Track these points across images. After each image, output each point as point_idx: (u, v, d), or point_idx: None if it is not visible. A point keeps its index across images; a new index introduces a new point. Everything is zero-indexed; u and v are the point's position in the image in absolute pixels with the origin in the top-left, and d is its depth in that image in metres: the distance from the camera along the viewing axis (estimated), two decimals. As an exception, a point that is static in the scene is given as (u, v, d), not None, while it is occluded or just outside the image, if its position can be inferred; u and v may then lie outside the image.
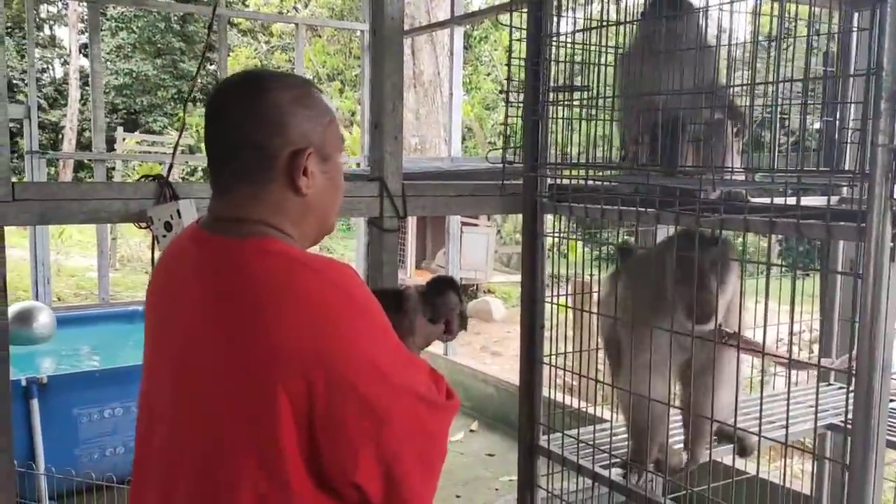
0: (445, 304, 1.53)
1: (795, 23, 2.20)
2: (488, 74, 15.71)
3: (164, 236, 1.81)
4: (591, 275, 2.51)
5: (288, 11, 17.66)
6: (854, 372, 1.59)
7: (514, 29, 2.09)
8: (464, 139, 10.72)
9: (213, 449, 1.13)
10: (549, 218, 2.34)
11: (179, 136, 2.49)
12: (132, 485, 1.27)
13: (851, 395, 1.60)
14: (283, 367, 1.06)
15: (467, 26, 5.67)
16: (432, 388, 1.23)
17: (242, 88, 1.22)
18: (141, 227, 1.86)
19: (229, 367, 1.10)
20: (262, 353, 1.08)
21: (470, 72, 14.96)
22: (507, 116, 2.05)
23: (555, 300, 2.38)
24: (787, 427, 1.78)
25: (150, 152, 13.80)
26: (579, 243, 2.54)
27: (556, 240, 2.32)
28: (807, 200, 2.15)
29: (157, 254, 1.91)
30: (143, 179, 1.85)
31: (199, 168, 17.38)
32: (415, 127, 9.42)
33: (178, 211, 1.78)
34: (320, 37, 16.68)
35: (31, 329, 4.66)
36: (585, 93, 2.15)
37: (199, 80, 18.87)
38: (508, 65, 1.95)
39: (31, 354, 4.94)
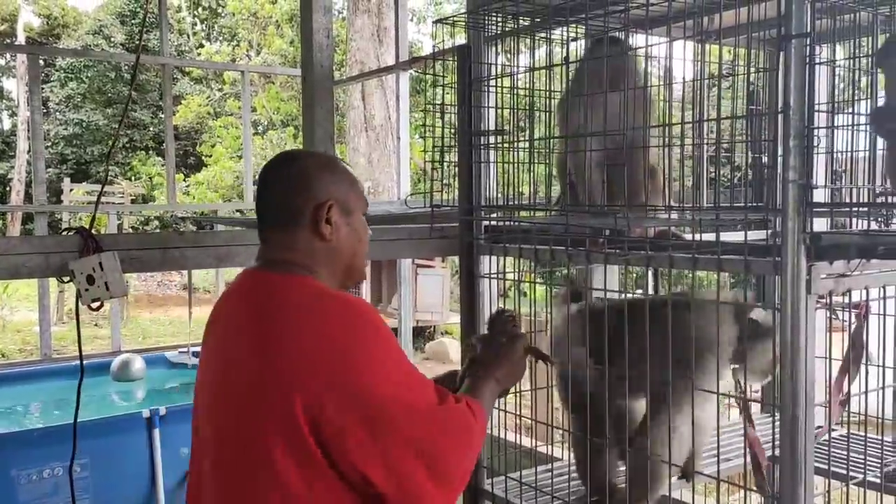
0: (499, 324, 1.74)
1: (733, 64, 2.27)
2: (442, 117, 15.86)
3: (87, 290, 1.76)
4: (548, 313, 2.52)
5: (240, 59, 17.72)
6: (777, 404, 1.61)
7: (441, 76, 2.12)
8: (419, 182, 10.77)
9: (249, 439, 1.35)
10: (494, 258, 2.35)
11: (102, 188, 2.46)
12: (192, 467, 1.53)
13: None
14: (302, 377, 1.31)
15: (417, 70, 5.74)
16: (434, 401, 1.43)
17: (279, 161, 1.55)
18: (63, 282, 1.82)
19: (262, 373, 1.35)
20: (289, 364, 1.33)
21: (423, 115, 15.10)
22: (432, 162, 2.07)
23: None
24: (718, 461, 1.79)
25: (103, 202, 13.58)
26: (537, 280, 2.55)
27: (515, 279, 2.32)
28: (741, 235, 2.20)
29: (82, 308, 1.87)
30: (64, 233, 1.81)
31: (153, 217, 17.19)
32: (367, 171, 9.45)
33: (101, 263, 1.74)
34: (273, 83, 16.74)
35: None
36: (516, 136, 2.18)
37: (152, 129, 18.79)
38: (424, 111, 1.98)
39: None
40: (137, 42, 17.73)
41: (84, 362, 2.00)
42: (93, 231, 1.83)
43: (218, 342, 1.50)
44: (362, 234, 1.57)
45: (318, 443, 1.32)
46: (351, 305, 1.40)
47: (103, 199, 13.17)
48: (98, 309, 1.85)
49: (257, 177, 1.58)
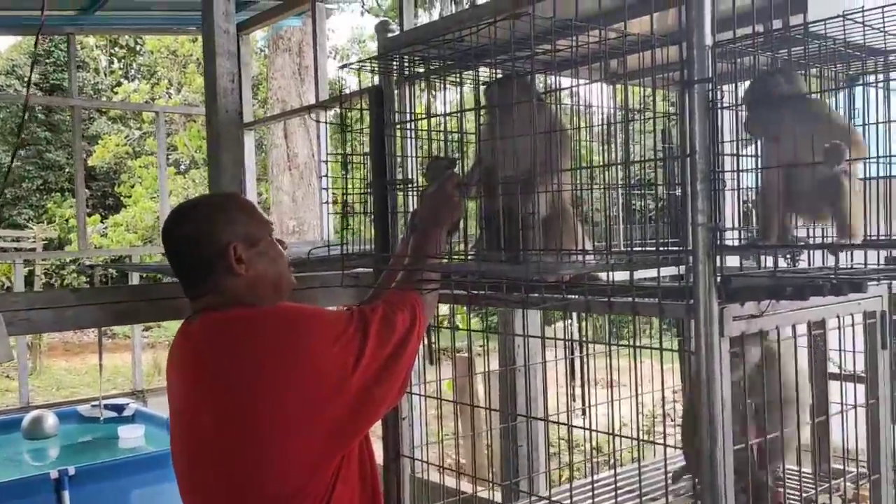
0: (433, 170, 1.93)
1: (643, 105, 2.29)
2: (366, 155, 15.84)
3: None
4: (482, 346, 2.47)
5: (159, 97, 17.36)
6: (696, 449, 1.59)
7: (350, 124, 2.08)
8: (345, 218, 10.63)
9: (241, 441, 1.49)
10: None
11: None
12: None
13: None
14: (260, 385, 1.47)
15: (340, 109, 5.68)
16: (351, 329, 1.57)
17: (172, 224, 1.65)
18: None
19: (216, 402, 1.51)
20: (239, 384, 1.48)
21: (349, 152, 15.02)
22: (342, 212, 2.01)
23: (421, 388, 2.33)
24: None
25: (17, 249, 13.04)
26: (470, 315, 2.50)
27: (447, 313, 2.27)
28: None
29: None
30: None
31: (69, 262, 16.52)
32: (292, 210, 9.28)
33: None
34: (195, 121, 16.41)
35: None
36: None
37: (67, 170, 18.12)
38: (318, 160, 1.92)
39: None
40: (46, 82, 17.19)
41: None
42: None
43: (173, 398, 1.64)
44: (274, 255, 1.66)
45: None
46: (268, 316, 1.56)
47: (12, 244, 12.58)
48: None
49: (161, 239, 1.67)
